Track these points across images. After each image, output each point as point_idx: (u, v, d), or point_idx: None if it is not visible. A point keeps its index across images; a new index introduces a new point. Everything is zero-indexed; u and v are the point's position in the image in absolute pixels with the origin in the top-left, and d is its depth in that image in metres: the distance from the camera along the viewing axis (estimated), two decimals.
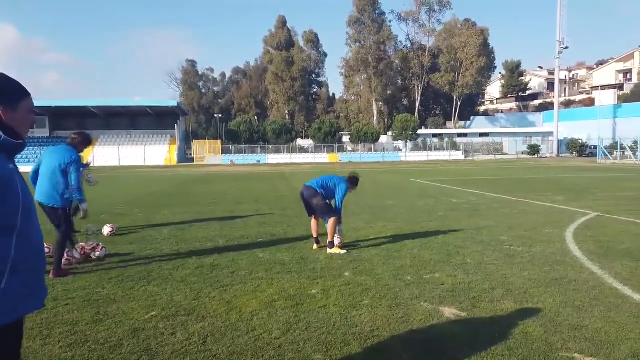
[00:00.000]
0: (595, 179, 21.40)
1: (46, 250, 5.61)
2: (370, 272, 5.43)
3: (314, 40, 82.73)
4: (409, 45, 79.54)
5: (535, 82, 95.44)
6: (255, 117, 75.80)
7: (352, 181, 6.91)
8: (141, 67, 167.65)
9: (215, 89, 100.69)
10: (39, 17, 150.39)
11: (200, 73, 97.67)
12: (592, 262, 5.78)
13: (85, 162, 7.20)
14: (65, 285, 5.02)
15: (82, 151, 5.86)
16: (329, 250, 6.48)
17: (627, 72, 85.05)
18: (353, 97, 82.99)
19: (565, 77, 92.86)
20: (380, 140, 65.15)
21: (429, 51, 76.79)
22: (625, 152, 46.96)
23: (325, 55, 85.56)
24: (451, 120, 77.05)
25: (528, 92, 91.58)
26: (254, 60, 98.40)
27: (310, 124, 72.77)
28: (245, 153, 59.15)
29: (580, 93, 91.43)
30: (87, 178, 7.73)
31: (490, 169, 33.77)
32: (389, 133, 67.74)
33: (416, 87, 77.66)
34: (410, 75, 78.45)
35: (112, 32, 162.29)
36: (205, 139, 66.62)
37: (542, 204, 11.82)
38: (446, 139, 67.06)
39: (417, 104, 77.47)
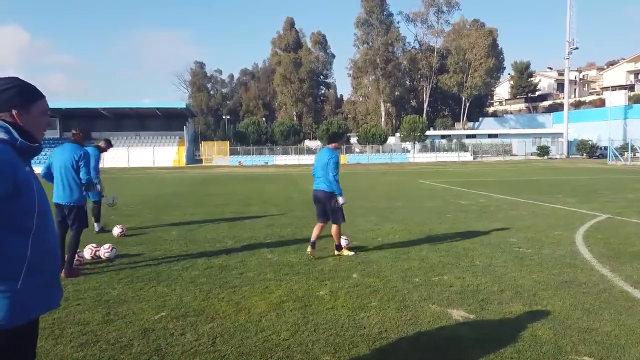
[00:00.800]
0: (605, 180, 21.19)
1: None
2: (378, 274, 5.43)
3: (321, 41, 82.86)
4: (417, 46, 79.49)
5: (544, 82, 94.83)
6: (263, 119, 76.05)
7: (333, 139, 6.58)
8: (150, 69, 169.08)
9: (224, 90, 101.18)
10: (45, 19, 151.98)
11: (208, 75, 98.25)
12: (602, 265, 5.73)
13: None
14: (77, 285, 5.08)
15: (85, 145, 6.02)
16: (336, 253, 6.46)
17: (638, 73, 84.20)
18: (361, 99, 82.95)
19: (575, 77, 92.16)
20: (388, 142, 65.07)
21: (437, 52, 76.56)
22: (636, 154, 46.55)
23: (333, 56, 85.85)
24: (459, 122, 76.73)
25: (537, 93, 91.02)
26: (262, 61, 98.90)
27: (318, 125, 72.90)
28: (253, 154, 59.36)
29: (591, 94, 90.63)
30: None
31: (499, 170, 33.58)
32: (397, 134, 67.61)
33: (424, 88, 77.44)
34: (419, 76, 78.24)
35: (119, 35, 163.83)
36: (213, 140, 66.94)
37: (551, 205, 11.74)
38: (454, 140, 66.79)
39: (425, 105, 77.24)
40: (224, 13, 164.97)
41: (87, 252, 6.23)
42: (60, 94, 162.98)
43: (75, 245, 5.62)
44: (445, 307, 4.29)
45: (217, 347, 3.47)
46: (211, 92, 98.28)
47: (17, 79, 1.88)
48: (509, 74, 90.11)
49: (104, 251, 6.24)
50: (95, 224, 8.60)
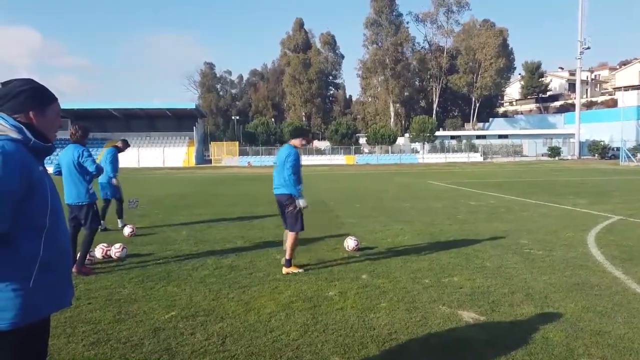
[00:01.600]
0: (617, 181, 20.94)
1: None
2: (387, 275, 5.41)
3: (331, 42, 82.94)
4: (426, 46, 79.22)
5: (555, 83, 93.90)
6: (272, 119, 76.20)
7: (295, 135, 5.85)
8: (160, 71, 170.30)
9: (233, 91, 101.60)
10: (57, 21, 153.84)
11: (218, 75, 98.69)
12: (615, 267, 5.66)
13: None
14: (88, 284, 5.13)
15: (86, 143, 6.05)
16: (284, 270, 5.53)
17: None
18: (370, 99, 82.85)
19: (587, 77, 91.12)
20: (397, 142, 64.88)
21: (447, 52, 76.23)
22: None
23: (342, 57, 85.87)
24: (469, 122, 76.29)
25: (548, 94, 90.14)
26: (271, 62, 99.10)
27: (327, 126, 72.94)
28: (262, 155, 59.50)
29: (603, 94, 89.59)
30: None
31: (510, 171, 33.32)
32: (406, 135, 67.38)
33: (434, 88, 77.13)
34: (428, 76, 77.98)
35: (129, 36, 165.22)
36: (222, 140, 67.23)
37: (562, 207, 11.63)
38: (464, 141, 66.38)
39: (435, 106, 76.90)
40: (234, 14, 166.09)
41: (99, 252, 6.29)
42: (71, 95, 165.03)
43: (89, 243, 5.68)
44: (456, 308, 4.27)
45: (227, 346, 3.49)
46: (220, 93, 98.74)
47: (32, 80, 1.92)
48: (519, 74, 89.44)
49: (115, 251, 6.30)
50: (119, 220, 9.08)
